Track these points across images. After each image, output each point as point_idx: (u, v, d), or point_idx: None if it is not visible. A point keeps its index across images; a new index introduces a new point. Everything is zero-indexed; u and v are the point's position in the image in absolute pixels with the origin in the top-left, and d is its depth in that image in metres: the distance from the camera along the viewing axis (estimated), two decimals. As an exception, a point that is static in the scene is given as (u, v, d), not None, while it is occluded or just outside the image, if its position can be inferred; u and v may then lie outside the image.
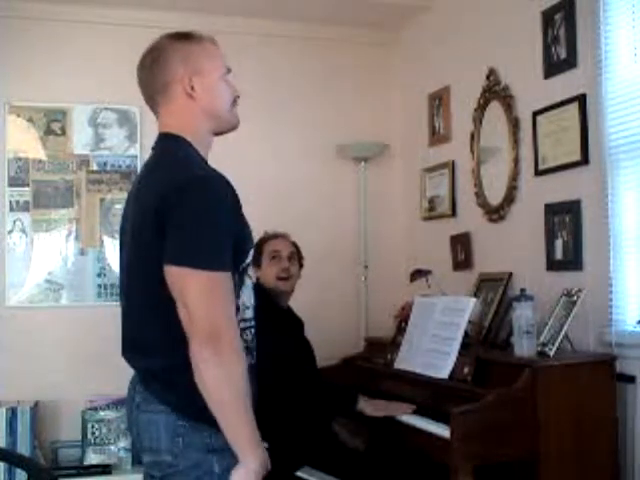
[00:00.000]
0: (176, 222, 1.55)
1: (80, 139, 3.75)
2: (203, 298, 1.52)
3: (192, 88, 1.70)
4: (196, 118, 1.72)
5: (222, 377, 1.51)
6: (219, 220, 1.57)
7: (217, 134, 1.78)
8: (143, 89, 1.77)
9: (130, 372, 1.74)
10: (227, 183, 1.62)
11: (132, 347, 1.71)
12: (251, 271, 2.89)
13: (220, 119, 1.76)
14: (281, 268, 3.00)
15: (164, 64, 1.71)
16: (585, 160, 2.70)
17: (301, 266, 3.14)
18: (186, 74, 1.70)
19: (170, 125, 1.72)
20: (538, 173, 2.96)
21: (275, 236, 3.08)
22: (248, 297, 1.72)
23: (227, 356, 1.51)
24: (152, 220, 1.57)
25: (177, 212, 1.55)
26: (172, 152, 1.69)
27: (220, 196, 1.59)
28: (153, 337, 1.63)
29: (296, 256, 3.10)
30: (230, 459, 1.56)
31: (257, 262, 2.99)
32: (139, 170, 1.86)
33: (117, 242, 1.85)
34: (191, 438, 1.58)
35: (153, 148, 1.78)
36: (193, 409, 1.56)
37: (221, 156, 1.91)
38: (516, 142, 3.10)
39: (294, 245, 3.13)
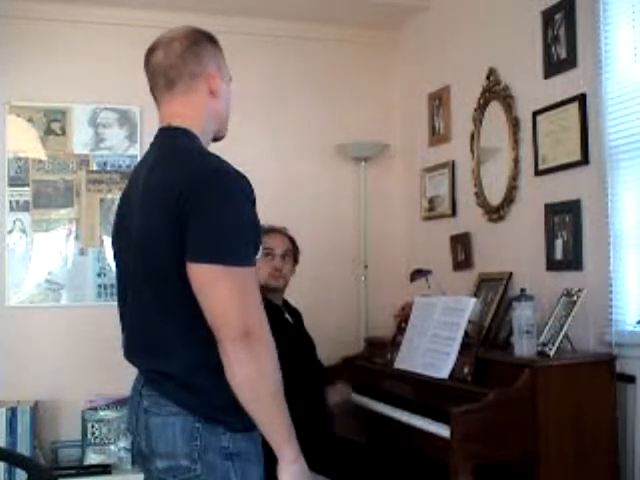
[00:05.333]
0: (200, 217, 1.49)
1: (80, 139, 3.75)
2: (236, 296, 1.48)
3: (215, 88, 1.71)
4: (209, 116, 1.72)
5: (258, 374, 1.49)
6: (244, 213, 1.54)
7: (213, 140, 1.77)
8: (160, 71, 1.69)
9: (130, 372, 1.72)
10: (245, 176, 1.59)
11: (140, 348, 1.64)
12: None
13: (222, 125, 1.78)
14: (273, 267, 2.95)
15: (198, 55, 1.69)
16: (585, 160, 2.70)
17: (296, 261, 3.09)
18: (216, 73, 1.72)
19: (183, 115, 1.67)
20: (538, 173, 2.96)
21: (271, 230, 2.98)
22: None
23: (262, 352, 1.49)
24: (169, 217, 1.51)
25: (201, 206, 1.49)
26: (185, 145, 1.64)
27: (244, 189, 1.56)
28: (167, 337, 1.57)
29: (291, 253, 3.05)
30: (247, 464, 1.56)
31: None
32: (136, 167, 1.79)
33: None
34: (208, 441, 1.53)
35: (154, 143, 1.72)
36: (210, 409, 1.54)
37: (220, 155, 1.91)
38: (516, 142, 3.10)
39: (290, 240, 3.07)
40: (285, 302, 3.10)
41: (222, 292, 1.48)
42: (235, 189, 1.55)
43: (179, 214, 1.50)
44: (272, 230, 3.01)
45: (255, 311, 1.51)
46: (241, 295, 1.50)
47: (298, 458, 1.55)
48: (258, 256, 1.62)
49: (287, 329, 2.95)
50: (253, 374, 1.49)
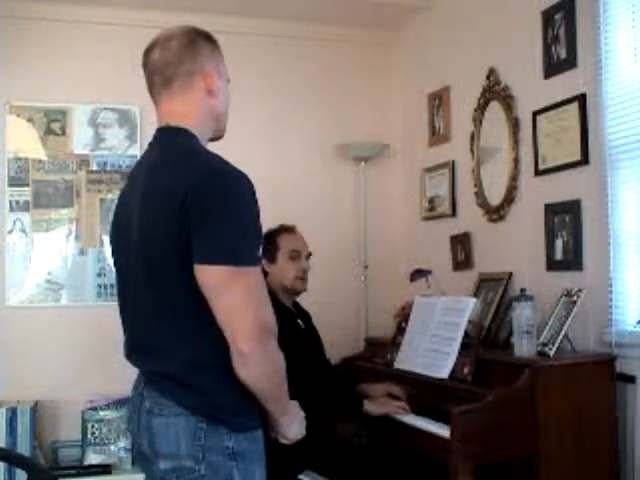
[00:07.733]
0: (207, 219, 1.49)
1: (80, 139, 3.75)
2: (248, 297, 1.50)
3: (213, 86, 1.71)
4: (207, 115, 1.72)
5: (271, 369, 1.56)
6: (249, 214, 1.55)
7: (211, 139, 1.77)
8: (158, 70, 1.68)
9: (131, 372, 1.72)
10: (247, 176, 1.59)
11: (142, 349, 1.64)
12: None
13: (220, 124, 1.78)
14: (302, 269, 2.96)
15: (195, 53, 1.69)
16: (585, 160, 2.70)
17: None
18: (213, 71, 1.72)
19: (181, 114, 1.67)
20: (538, 173, 2.96)
21: (292, 230, 3.00)
22: None
23: (272, 347, 1.55)
24: (173, 219, 1.51)
25: (207, 209, 1.50)
26: (186, 146, 1.64)
27: (247, 189, 1.57)
28: (168, 338, 1.57)
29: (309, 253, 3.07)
30: (250, 464, 1.57)
31: (272, 256, 2.93)
32: (135, 167, 1.79)
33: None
34: (211, 441, 1.54)
35: (154, 143, 1.72)
36: (213, 410, 1.54)
37: (220, 155, 1.91)
38: (516, 142, 3.10)
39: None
40: (296, 304, 3.09)
41: (235, 293, 1.49)
42: (239, 189, 1.55)
43: (184, 217, 1.50)
44: (293, 230, 3.01)
45: (267, 310, 1.55)
46: (253, 295, 1.52)
47: (299, 411, 1.74)
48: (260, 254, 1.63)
49: (298, 335, 2.93)
50: (267, 370, 1.55)
